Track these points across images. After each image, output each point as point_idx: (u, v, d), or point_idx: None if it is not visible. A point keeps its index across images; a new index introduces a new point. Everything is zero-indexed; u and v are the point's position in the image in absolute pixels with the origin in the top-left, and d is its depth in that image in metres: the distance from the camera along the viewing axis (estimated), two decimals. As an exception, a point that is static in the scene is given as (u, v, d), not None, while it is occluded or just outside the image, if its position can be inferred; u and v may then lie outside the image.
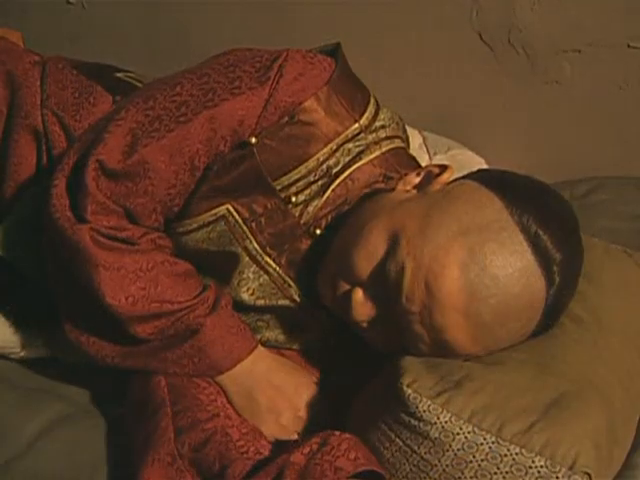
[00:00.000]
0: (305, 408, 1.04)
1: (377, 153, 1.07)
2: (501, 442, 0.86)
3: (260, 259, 1.07)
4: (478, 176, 0.99)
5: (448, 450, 0.87)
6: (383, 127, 1.09)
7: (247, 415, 1.03)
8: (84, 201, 1.01)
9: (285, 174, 1.04)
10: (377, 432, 0.93)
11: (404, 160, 1.11)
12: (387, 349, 1.01)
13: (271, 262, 1.07)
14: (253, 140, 1.03)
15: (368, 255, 0.96)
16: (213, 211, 1.05)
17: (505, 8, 1.71)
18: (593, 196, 1.56)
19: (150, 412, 1.01)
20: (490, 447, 0.86)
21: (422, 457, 0.89)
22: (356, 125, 1.06)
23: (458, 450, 0.87)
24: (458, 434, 0.87)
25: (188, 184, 1.04)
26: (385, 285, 0.94)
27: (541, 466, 0.85)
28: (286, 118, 1.03)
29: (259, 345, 1.07)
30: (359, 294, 0.97)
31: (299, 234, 1.07)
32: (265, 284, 1.08)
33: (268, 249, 1.06)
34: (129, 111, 1.04)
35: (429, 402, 0.88)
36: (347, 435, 0.92)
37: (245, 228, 1.05)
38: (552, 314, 0.95)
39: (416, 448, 0.90)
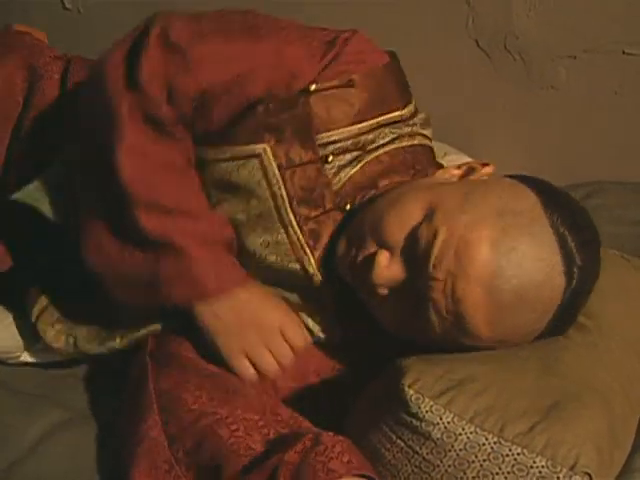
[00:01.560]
0: (289, 356, 1.06)
1: (410, 143, 1.11)
2: (503, 442, 0.87)
3: (284, 213, 1.06)
4: (516, 175, 1.02)
5: (450, 450, 0.88)
6: (419, 125, 1.13)
7: (224, 354, 1.05)
8: (141, 62, 1.03)
9: (327, 131, 1.06)
10: (378, 434, 0.94)
11: (432, 159, 1.15)
12: (396, 327, 1.01)
13: (294, 223, 1.06)
14: (313, 87, 1.05)
15: (402, 220, 0.98)
16: (251, 146, 1.05)
17: (501, 15, 1.72)
18: (590, 201, 1.57)
19: (138, 419, 1.00)
20: (492, 447, 0.87)
21: (424, 458, 0.89)
22: (398, 113, 1.10)
23: (460, 450, 0.87)
24: (460, 434, 0.87)
25: (232, 99, 1.05)
26: (414, 250, 0.96)
27: (542, 466, 0.85)
28: (341, 82, 1.06)
29: (251, 280, 1.07)
30: (384, 255, 0.98)
31: (328, 204, 1.07)
32: (281, 242, 1.07)
33: (294, 205, 1.06)
34: (203, 14, 1.07)
35: (431, 402, 0.89)
36: (341, 437, 0.92)
37: (278, 173, 1.05)
38: (564, 316, 0.96)
39: (418, 449, 0.90)
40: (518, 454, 0.86)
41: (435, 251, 0.93)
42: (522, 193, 0.97)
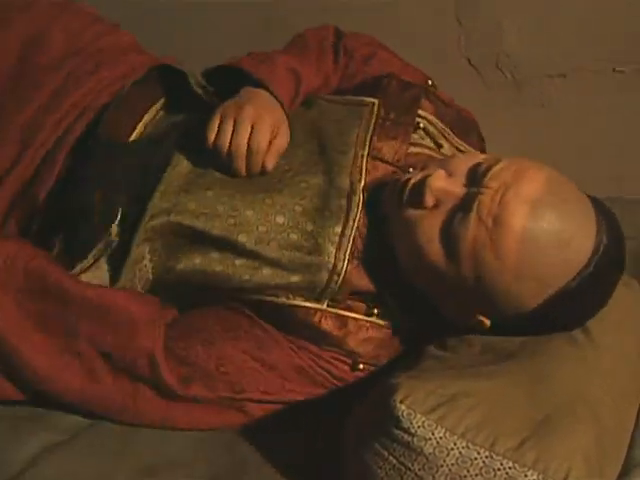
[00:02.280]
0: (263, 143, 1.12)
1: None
2: (494, 457, 0.87)
3: (361, 149, 1.17)
4: None
5: (442, 466, 0.88)
6: None
7: (217, 111, 1.14)
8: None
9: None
10: (370, 451, 0.93)
11: None
12: (418, 252, 1.05)
13: (364, 163, 1.16)
14: None
15: (468, 158, 1.10)
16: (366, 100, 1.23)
17: (492, 34, 1.74)
18: (581, 217, 1.57)
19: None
20: (484, 462, 0.87)
21: (416, 474, 0.89)
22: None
23: (452, 465, 0.88)
24: (452, 449, 0.88)
25: None
26: (474, 172, 1.05)
27: (534, 480, 0.86)
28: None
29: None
30: (442, 171, 1.06)
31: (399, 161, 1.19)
32: (345, 161, 1.16)
33: (375, 140, 1.18)
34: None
35: (423, 418, 0.89)
36: None
37: (373, 122, 1.20)
38: (579, 290, 1.00)
39: (410, 465, 0.90)
40: (510, 468, 0.86)
41: (495, 168, 1.02)
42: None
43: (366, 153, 1.16)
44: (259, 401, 1.11)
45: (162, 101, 1.27)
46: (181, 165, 1.13)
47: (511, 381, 0.95)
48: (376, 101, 1.22)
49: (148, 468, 1.04)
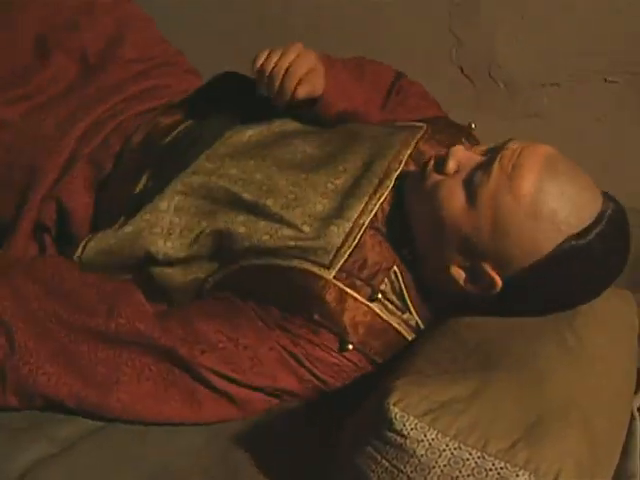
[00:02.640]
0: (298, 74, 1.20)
1: None
2: (486, 457, 0.87)
3: (405, 148, 1.24)
4: None
5: (434, 467, 0.88)
6: None
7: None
8: None
9: None
10: (364, 455, 0.93)
11: None
12: (435, 216, 1.10)
13: (404, 158, 1.22)
14: None
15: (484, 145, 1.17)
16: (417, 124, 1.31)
17: (485, 44, 1.75)
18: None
19: None
20: (476, 462, 0.87)
21: (409, 476, 0.89)
22: None
23: (444, 466, 0.88)
24: (444, 450, 0.88)
25: None
26: (492, 149, 1.12)
27: (525, 480, 0.86)
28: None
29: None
30: (462, 146, 1.15)
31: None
32: (389, 155, 1.22)
33: (420, 143, 1.25)
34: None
35: (416, 420, 0.89)
36: None
37: (421, 133, 1.28)
38: (582, 250, 1.05)
39: (402, 467, 0.90)
40: (501, 468, 0.87)
41: (514, 141, 1.10)
42: None
43: (409, 152, 1.22)
44: (226, 377, 1.11)
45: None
46: (230, 138, 1.24)
47: (504, 385, 0.96)
48: (425, 125, 1.29)
49: (146, 478, 1.05)
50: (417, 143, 1.25)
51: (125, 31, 1.44)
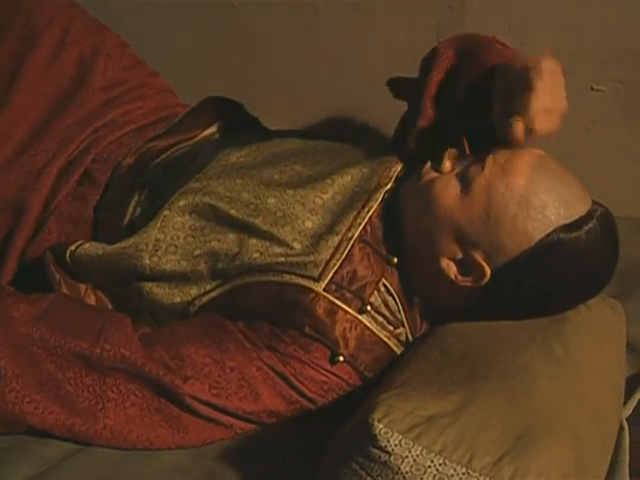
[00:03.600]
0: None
1: None
2: (471, 473, 0.87)
3: (397, 162, 1.26)
4: None
5: (420, 484, 0.88)
6: None
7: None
8: None
9: None
10: (349, 472, 0.93)
11: None
12: (439, 193, 1.13)
13: (395, 172, 1.24)
14: None
15: None
16: None
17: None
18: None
19: None
20: (460, 478, 0.87)
21: (394, 493, 0.89)
22: None
23: (429, 483, 0.87)
24: (429, 467, 0.87)
25: None
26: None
27: (510, 495, 0.85)
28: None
29: None
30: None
31: None
32: (380, 169, 1.23)
33: None
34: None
35: (400, 437, 0.89)
36: None
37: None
38: (569, 244, 1.07)
39: (388, 484, 0.89)
40: (487, 484, 0.86)
41: None
42: None
43: (399, 168, 1.24)
44: (210, 404, 1.10)
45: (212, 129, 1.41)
46: (219, 160, 1.26)
47: (490, 398, 0.95)
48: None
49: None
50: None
51: (97, 59, 1.42)
